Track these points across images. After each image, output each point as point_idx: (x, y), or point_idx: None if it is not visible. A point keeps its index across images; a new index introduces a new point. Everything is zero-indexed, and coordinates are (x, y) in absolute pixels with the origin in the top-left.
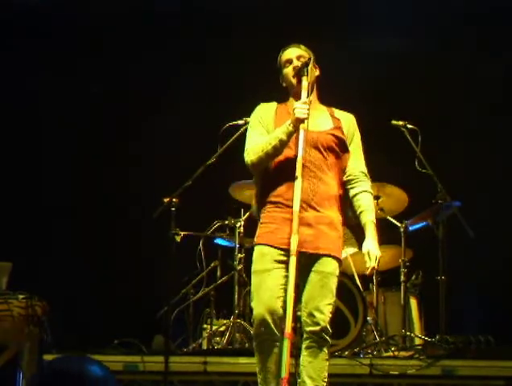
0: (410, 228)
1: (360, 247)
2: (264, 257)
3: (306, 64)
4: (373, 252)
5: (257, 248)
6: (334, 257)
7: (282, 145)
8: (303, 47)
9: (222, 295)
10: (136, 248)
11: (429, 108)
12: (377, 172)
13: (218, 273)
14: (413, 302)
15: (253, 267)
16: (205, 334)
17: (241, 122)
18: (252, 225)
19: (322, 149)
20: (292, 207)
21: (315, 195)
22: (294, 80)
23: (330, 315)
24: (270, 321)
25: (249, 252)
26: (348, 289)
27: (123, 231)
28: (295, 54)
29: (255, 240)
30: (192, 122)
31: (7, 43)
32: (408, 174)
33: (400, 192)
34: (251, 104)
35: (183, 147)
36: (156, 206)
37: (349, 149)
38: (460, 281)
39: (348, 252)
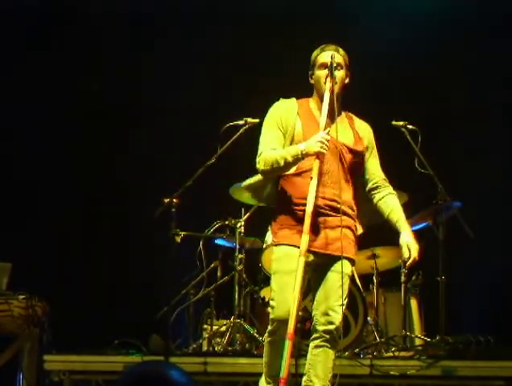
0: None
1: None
2: (289, 258)
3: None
4: (412, 245)
5: (280, 248)
6: (351, 260)
7: (289, 166)
8: (341, 51)
9: (222, 295)
10: (136, 248)
11: (429, 108)
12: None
13: (218, 274)
14: (413, 303)
15: (277, 267)
16: (205, 335)
17: (241, 122)
18: (252, 225)
19: (344, 161)
20: (312, 209)
21: (339, 201)
22: (324, 86)
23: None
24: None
25: (249, 253)
26: (348, 289)
27: (123, 231)
28: (327, 60)
29: (276, 239)
30: (192, 122)
31: None
32: (408, 175)
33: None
34: (250, 104)
35: (184, 147)
36: (156, 206)
37: (370, 158)
38: (460, 281)
39: None
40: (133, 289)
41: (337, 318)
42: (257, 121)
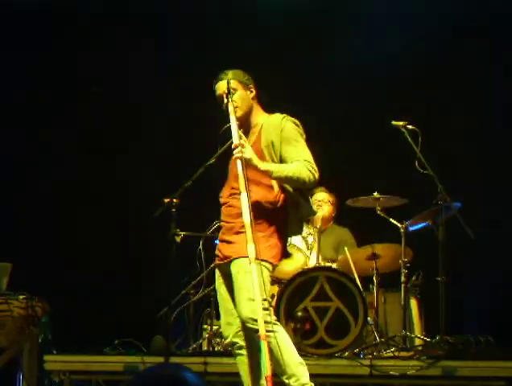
0: (411, 229)
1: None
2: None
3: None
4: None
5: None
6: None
7: None
8: (230, 74)
9: None
10: (136, 248)
11: (429, 108)
12: (378, 172)
13: None
14: (413, 303)
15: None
16: (205, 335)
17: None
18: None
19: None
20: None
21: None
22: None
23: None
24: None
25: None
26: (348, 289)
27: (123, 231)
28: (219, 91)
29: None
30: (192, 122)
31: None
32: (408, 175)
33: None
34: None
35: (183, 147)
36: (156, 206)
37: (282, 149)
38: (460, 281)
39: (347, 251)
40: (133, 289)
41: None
42: None
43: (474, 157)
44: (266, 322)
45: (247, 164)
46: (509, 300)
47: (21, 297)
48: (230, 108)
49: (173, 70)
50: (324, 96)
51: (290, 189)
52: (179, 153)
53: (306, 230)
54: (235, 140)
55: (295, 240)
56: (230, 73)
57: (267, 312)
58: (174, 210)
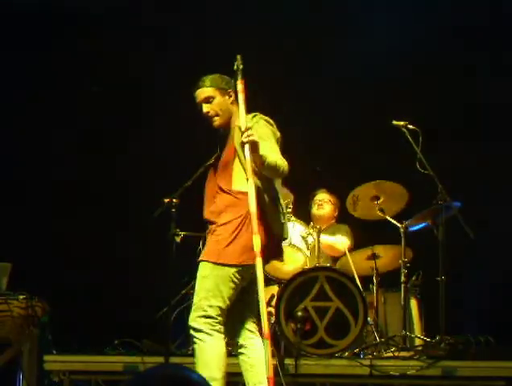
0: (411, 229)
1: (355, 244)
2: None
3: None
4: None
5: None
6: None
7: None
8: (207, 81)
9: None
10: (136, 248)
11: (429, 107)
12: (377, 172)
13: None
14: (413, 303)
15: None
16: None
17: None
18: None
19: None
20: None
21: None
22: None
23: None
24: None
25: None
26: (348, 289)
27: (123, 231)
28: (198, 99)
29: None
30: (192, 122)
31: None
32: (408, 175)
33: (399, 188)
34: (251, 103)
35: (183, 147)
36: (156, 206)
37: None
38: (460, 281)
39: (342, 241)
40: (133, 289)
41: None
42: None
43: (474, 157)
44: (196, 330)
45: (254, 148)
46: (509, 300)
47: (21, 297)
48: (239, 87)
49: (173, 70)
50: (324, 96)
51: (266, 199)
52: (179, 153)
53: (306, 230)
54: (243, 125)
55: (295, 240)
56: (208, 80)
57: (209, 320)
58: (174, 210)
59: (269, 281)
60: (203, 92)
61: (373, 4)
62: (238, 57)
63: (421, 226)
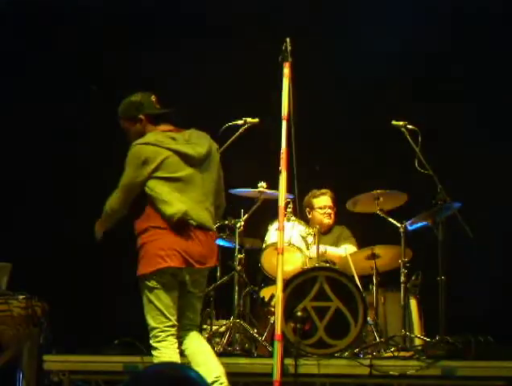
0: (410, 229)
1: (358, 245)
2: None
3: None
4: None
5: None
6: None
7: None
8: (119, 114)
9: (222, 295)
10: (136, 248)
11: (429, 108)
12: (378, 172)
13: (218, 274)
14: (413, 303)
15: None
16: (205, 335)
17: (240, 122)
18: (252, 225)
19: None
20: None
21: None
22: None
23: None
24: None
25: (248, 253)
26: (348, 289)
27: (123, 231)
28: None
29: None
30: (192, 122)
31: None
32: (408, 175)
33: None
34: (251, 103)
35: None
36: None
37: None
38: (460, 281)
39: (348, 250)
40: (133, 289)
41: None
42: (256, 120)
43: (474, 157)
44: (153, 348)
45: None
46: (509, 300)
47: (21, 297)
48: (285, 71)
49: (173, 70)
50: (324, 96)
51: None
52: None
53: (306, 230)
54: (285, 113)
55: (294, 239)
56: (120, 111)
57: (157, 336)
58: None
59: (269, 280)
60: (120, 121)
61: (373, 4)
62: (287, 40)
63: (421, 226)
